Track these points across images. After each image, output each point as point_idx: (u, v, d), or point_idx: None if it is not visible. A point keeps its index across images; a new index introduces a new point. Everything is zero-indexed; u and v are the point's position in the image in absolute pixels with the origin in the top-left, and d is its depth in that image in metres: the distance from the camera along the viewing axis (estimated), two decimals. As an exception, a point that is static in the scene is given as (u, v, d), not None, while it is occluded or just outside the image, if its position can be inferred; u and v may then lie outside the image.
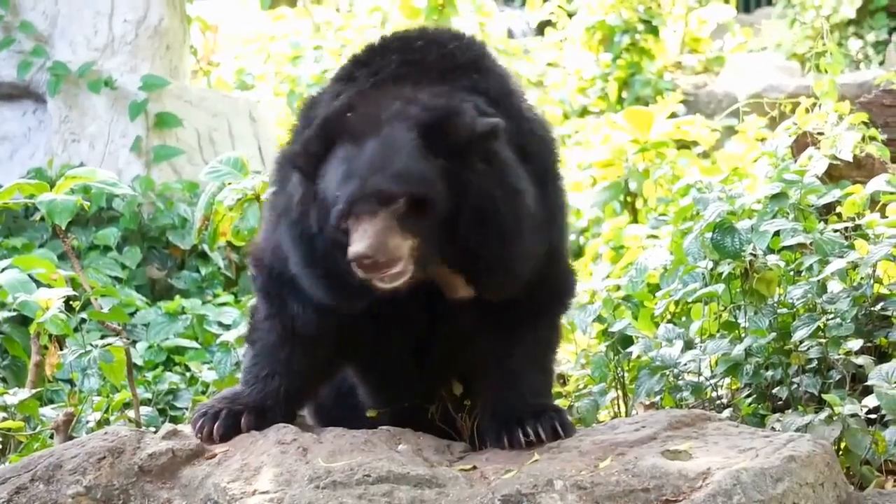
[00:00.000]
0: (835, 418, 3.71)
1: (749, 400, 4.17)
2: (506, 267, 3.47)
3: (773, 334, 4.13)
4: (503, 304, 3.59)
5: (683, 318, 4.70)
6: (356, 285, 3.40)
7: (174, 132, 8.72)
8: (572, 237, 9.94)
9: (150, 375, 5.97)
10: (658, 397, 4.31)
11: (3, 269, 5.08)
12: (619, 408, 4.56)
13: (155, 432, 3.65)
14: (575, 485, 3.22)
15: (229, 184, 5.09)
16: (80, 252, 7.80)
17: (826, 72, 5.69)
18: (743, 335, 4.24)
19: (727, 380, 4.33)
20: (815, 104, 5.52)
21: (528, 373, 3.69)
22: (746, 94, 11.59)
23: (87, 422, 4.70)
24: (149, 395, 5.59)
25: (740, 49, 14.52)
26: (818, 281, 4.17)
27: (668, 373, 4.24)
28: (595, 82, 13.33)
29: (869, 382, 3.75)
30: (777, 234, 4.36)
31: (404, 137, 3.37)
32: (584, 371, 4.81)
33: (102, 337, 5.11)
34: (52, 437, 4.48)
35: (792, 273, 4.38)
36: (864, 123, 5.28)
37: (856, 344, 4.01)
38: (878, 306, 4.17)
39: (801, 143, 5.35)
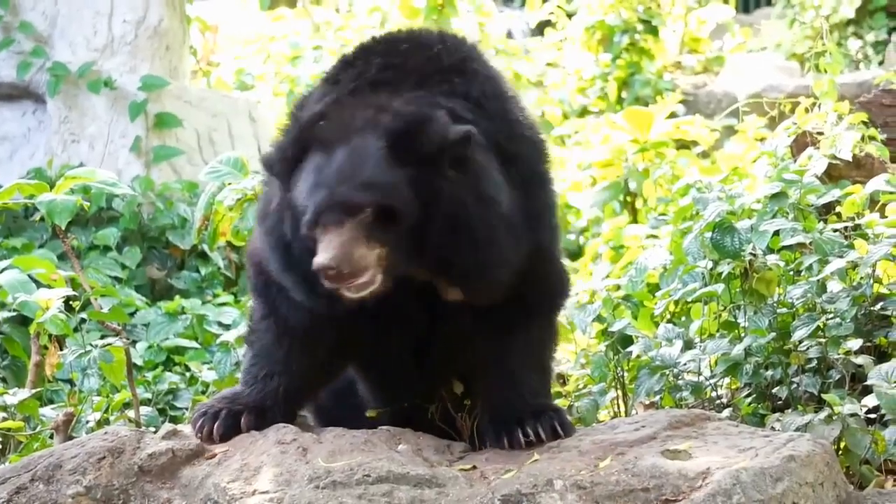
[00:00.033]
0: (834, 418, 3.71)
1: (749, 399, 4.17)
2: (481, 273, 3.47)
3: (773, 334, 4.13)
4: (496, 305, 3.59)
5: (683, 318, 4.70)
6: (332, 291, 3.42)
7: (174, 132, 8.72)
8: (572, 237, 9.96)
9: (149, 375, 5.97)
10: (658, 397, 4.31)
11: (3, 270, 5.08)
12: (618, 407, 4.56)
13: (155, 432, 3.65)
14: (575, 484, 3.22)
15: (229, 184, 5.09)
16: (80, 252, 7.80)
17: (825, 72, 5.69)
18: (742, 335, 4.24)
19: (727, 379, 4.33)
20: (814, 104, 5.52)
21: (525, 372, 3.69)
22: (746, 94, 11.59)
23: (87, 422, 4.70)
24: (149, 395, 5.59)
25: (740, 49, 14.52)
26: (818, 281, 4.17)
27: (667, 372, 4.24)
28: (595, 82, 13.32)
29: (868, 382, 3.75)
30: (777, 233, 4.37)
31: (373, 147, 3.38)
32: (583, 371, 4.81)
33: (102, 337, 5.12)
34: (51, 437, 4.48)
35: (791, 273, 4.38)
36: (864, 123, 5.28)
37: (855, 343, 4.01)
38: (878, 306, 4.17)
39: (801, 143, 5.35)
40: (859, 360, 3.95)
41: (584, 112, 13.09)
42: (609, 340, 4.56)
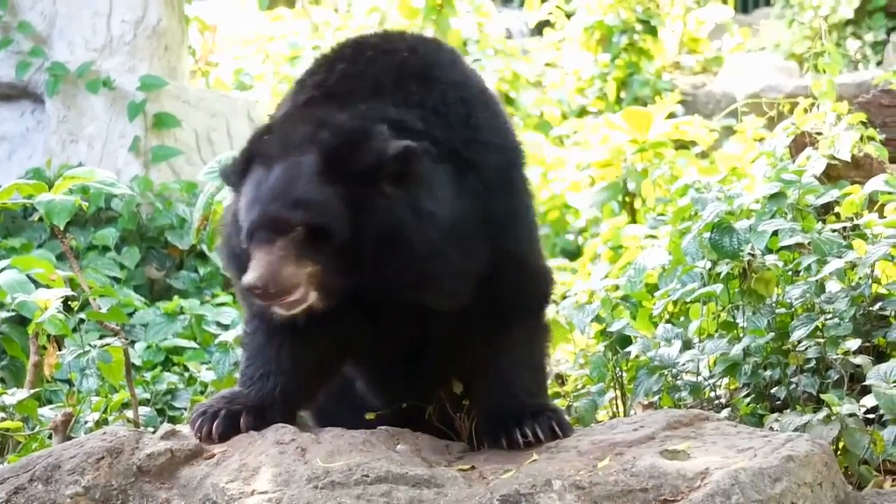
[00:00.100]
0: (833, 418, 3.71)
1: (747, 400, 4.17)
2: (427, 287, 3.47)
3: (772, 334, 4.13)
4: (475, 308, 3.58)
5: (682, 318, 4.70)
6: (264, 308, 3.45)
7: (172, 132, 8.71)
8: (570, 237, 9.97)
9: (148, 375, 5.96)
10: (656, 397, 4.31)
11: (2, 270, 5.08)
12: (617, 408, 4.56)
13: (153, 432, 3.65)
14: (573, 485, 3.22)
15: (228, 184, 5.08)
16: (79, 252, 7.79)
17: (824, 72, 5.69)
18: (741, 335, 4.24)
19: (725, 379, 4.33)
20: (813, 104, 5.52)
21: (517, 372, 3.70)
22: (745, 94, 11.61)
23: (86, 422, 4.69)
24: (147, 396, 5.58)
25: (738, 49, 14.53)
26: (816, 281, 4.17)
27: (666, 373, 4.24)
28: (593, 82, 13.33)
29: (867, 382, 3.75)
30: (775, 233, 4.37)
31: (308, 163, 3.39)
32: (582, 371, 4.81)
33: (101, 337, 5.11)
34: (50, 437, 4.48)
35: (790, 273, 4.38)
36: (863, 123, 5.28)
37: (854, 344, 4.01)
38: (877, 306, 4.17)
39: (800, 143, 5.36)
40: (858, 360, 3.95)
41: (582, 112, 13.10)
42: (608, 340, 4.57)
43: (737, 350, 4.13)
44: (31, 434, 4.54)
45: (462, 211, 3.49)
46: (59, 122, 8.65)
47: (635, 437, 3.45)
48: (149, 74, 8.63)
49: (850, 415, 3.70)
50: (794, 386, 4.06)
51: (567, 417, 3.72)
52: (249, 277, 3.33)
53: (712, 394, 4.33)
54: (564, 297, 5.24)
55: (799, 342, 4.07)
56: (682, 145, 9.89)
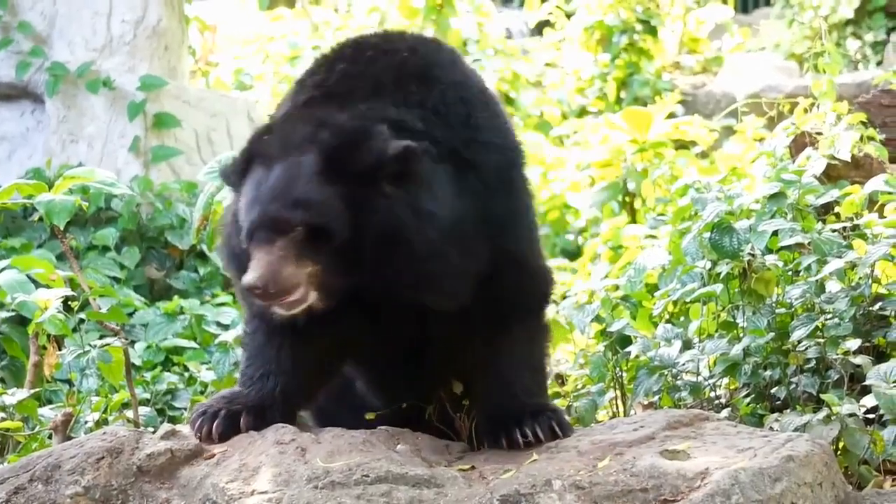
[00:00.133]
0: (833, 418, 3.71)
1: (747, 400, 4.17)
2: (427, 287, 3.47)
3: (772, 334, 4.13)
4: (475, 308, 3.58)
5: (682, 318, 4.70)
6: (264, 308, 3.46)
7: (172, 132, 8.71)
8: (570, 237, 9.97)
9: (148, 375, 5.96)
10: (656, 397, 4.31)
11: (2, 270, 5.08)
12: (617, 408, 4.56)
13: (153, 432, 3.65)
14: (573, 485, 3.22)
15: (228, 184, 5.08)
16: (79, 252, 7.79)
17: (824, 72, 5.69)
18: (741, 335, 4.24)
19: (725, 380, 4.33)
20: (813, 104, 5.52)
21: (518, 373, 3.70)
22: (745, 94, 11.61)
23: (86, 422, 4.69)
24: (147, 396, 5.58)
25: (738, 49, 14.53)
26: (816, 281, 4.17)
27: (666, 373, 4.24)
28: (593, 82, 13.33)
29: (867, 382, 3.75)
30: (775, 233, 4.37)
31: (308, 164, 3.39)
32: (582, 371, 4.81)
33: (101, 337, 5.11)
34: (50, 437, 4.48)
35: (790, 273, 4.38)
36: (863, 123, 5.28)
37: (854, 344, 4.01)
38: (877, 306, 4.17)
39: (800, 143, 5.36)
40: (858, 360, 3.95)
41: (582, 112, 13.10)
42: (608, 341, 4.57)
43: (737, 350, 4.13)
44: (31, 434, 4.54)
45: (462, 211, 3.49)
46: (59, 122, 8.65)
47: (635, 437, 3.45)
48: (149, 74, 8.63)
49: (850, 415, 3.70)
50: (794, 386, 4.06)
51: (567, 417, 3.72)
52: (249, 277, 3.33)
53: (712, 394, 4.33)
54: (564, 297, 5.24)
55: (799, 342, 4.07)
56: (682, 145, 9.89)
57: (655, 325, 4.67)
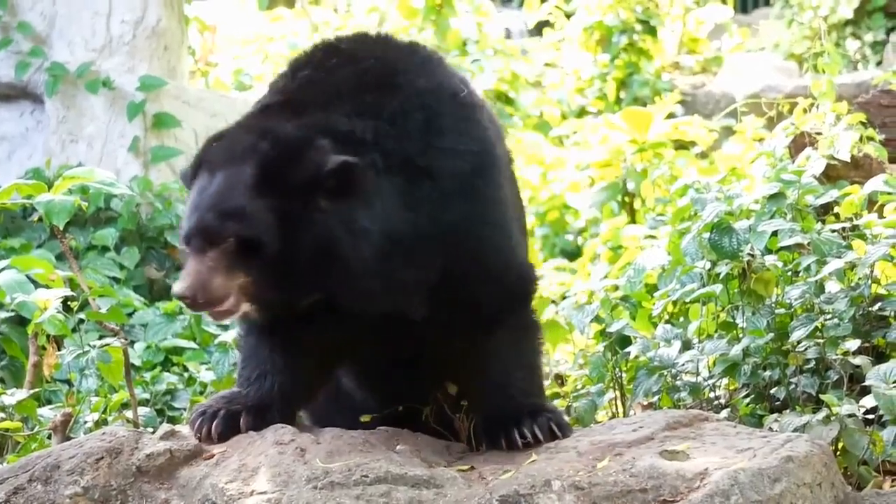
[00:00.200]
0: (832, 418, 3.71)
1: (747, 400, 4.17)
2: (367, 301, 3.46)
3: (771, 334, 4.13)
4: (452, 314, 3.57)
5: (681, 319, 4.70)
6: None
7: (172, 132, 8.71)
8: (570, 237, 9.96)
9: (148, 376, 5.96)
10: (656, 397, 4.31)
11: (2, 270, 5.07)
12: (616, 408, 4.56)
13: (153, 433, 3.65)
14: (573, 485, 3.22)
15: (227, 184, 5.07)
16: (78, 252, 7.79)
17: (824, 72, 5.69)
18: (741, 335, 4.24)
19: (725, 380, 4.33)
20: (812, 104, 5.52)
21: (510, 374, 3.68)
22: (744, 94, 11.61)
23: (85, 422, 4.69)
24: (147, 396, 5.58)
25: (738, 49, 14.53)
26: (816, 281, 4.17)
27: (665, 373, 4.24)
28: (593, 82, 13.33)
29: (867, 383, 3.75)
30: (775, 234, 4.37)
31: (244, 174, 3.38)
32: (581, 371, 4.81)
33: (100, 337, 5.10)
34: (49, 437, 4.47)
35: (790, 273, 4.38)
36: (862, 123, 5.28)
37: (853, 344, 4.01)
38: (876, 306, 4.17)
39: (799, 144, 5.36)
40: (857, 360, 3.95)
41: (582, 112, 13.09)
42: (607, 341, 4.56)
43: (736, 350, 4.13)
44: (31, 434, 4.54)
45: (410, 222, 3.46)
46: (59, 122, 8.64)
47: (634, 437, 3.45)
48: (148, 74, 8.62)
49: (850, 415, 3.70)
50: (793, 386, 4.06)
51: (566, 418, 3.72)
52: (179, 286, 3.36)
53: (712, 394, 4.33)
54: (564, 298, 5.24)
55: (798, 342, 4.07)
56: (681, 145, 9.88)
57: (655, 325, 4.67)
